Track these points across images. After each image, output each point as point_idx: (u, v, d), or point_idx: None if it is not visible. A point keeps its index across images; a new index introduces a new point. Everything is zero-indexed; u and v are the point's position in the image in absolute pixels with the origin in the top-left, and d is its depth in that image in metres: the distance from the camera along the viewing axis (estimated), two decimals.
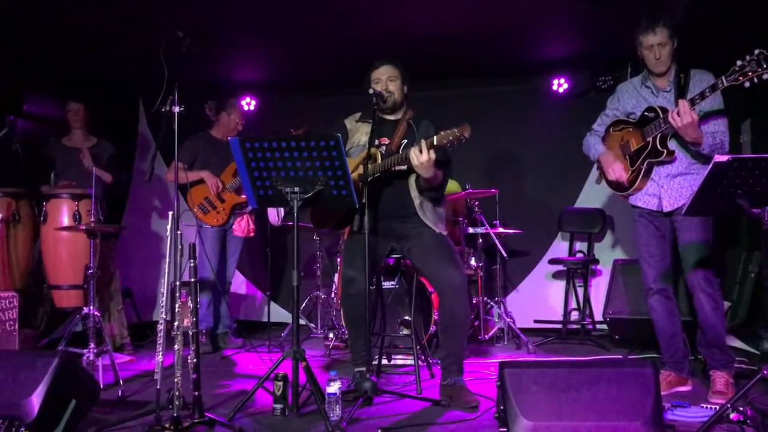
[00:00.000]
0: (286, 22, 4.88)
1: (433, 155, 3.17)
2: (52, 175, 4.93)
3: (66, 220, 4.48)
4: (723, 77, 3.05)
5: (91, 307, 3.84)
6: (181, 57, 3.33)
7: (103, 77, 5.92)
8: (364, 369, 3.42)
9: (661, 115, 3.36)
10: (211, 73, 5.99)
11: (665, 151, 3.41)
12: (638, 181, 3.54)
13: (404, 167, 3.41)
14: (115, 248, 5.05)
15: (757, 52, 2.91)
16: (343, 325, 4.67)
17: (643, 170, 3.51)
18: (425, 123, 3.62)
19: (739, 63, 2.97)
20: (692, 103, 3.17)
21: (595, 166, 3.89)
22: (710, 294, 3.42)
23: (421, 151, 3.16)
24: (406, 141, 3.56)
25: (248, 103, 6.58)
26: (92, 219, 3.96)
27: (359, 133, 3.67)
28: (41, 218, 4.53)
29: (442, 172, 3.44)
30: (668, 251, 3.58)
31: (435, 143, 3.15)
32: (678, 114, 3.18)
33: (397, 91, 3.61)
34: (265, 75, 6.31)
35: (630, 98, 3.65)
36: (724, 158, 2.48)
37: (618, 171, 3.61)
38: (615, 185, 3.69)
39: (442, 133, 3.14)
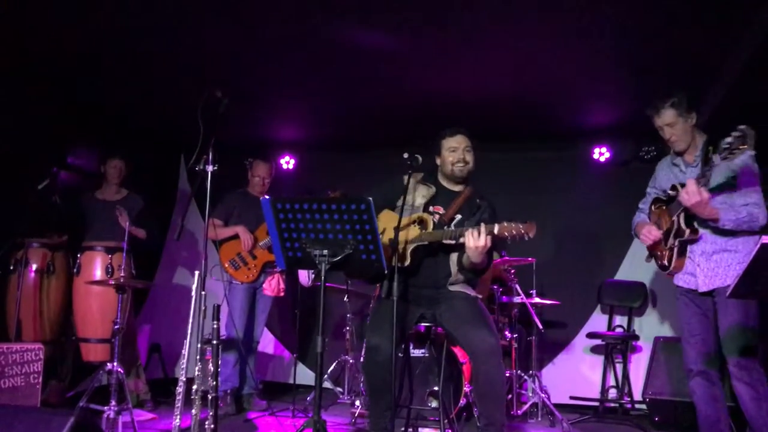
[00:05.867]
0: (325, 83, 4.94)
1: (489, 242, 3.08)
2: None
3: (99, 273, 4.50)
4: (717, 155, 2.95)
5: (115, 364, 3.79)
6: (219, 116, 3.36)
7: (146, 133, 6.04)
8: None
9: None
10: (253, 132, 6.08)
11: (688, 230, 3.28)
12: (674, 260, 3.39)
13: (453, 242, 3.31)
14: (138, 305, 5.03)
15: (742, 127, 2.85)
16: None
17: (676, 249, 3.38)
18: (484, 204, 3.49)
19: (727, 140, 2.88)
20: (699, 181, 3.06)
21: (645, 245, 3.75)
22: (748, 383, 3.18)
23: (479, 235, 3.07)
24: (459, 216, 3.47)
25: (287, 162, 6.63)
26: (122, 274, 3.95)
27: (416, 193, 3.54)
28: (75, 270, 4.56)
29: (489, 258, 3.33)
30: (712, 331, 3.36)
31: (496, 232, 3.06)
32: (687, 193, 3.09)
33: (473, 163, 3.56)
34: (304, 134, 6.37)
35: (664, 175, 3.58)
36: None
37: (651, 234, 3.49)
38: (660, 265, 3.54)
39: (506, 224, 3.04)
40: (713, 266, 3.28)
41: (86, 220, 4.96)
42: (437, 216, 3.46)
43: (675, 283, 3.49)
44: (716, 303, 3.30)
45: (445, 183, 3.59)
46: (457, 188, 3.59)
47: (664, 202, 3.51)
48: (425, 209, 3.35)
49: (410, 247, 3.32)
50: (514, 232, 3.00)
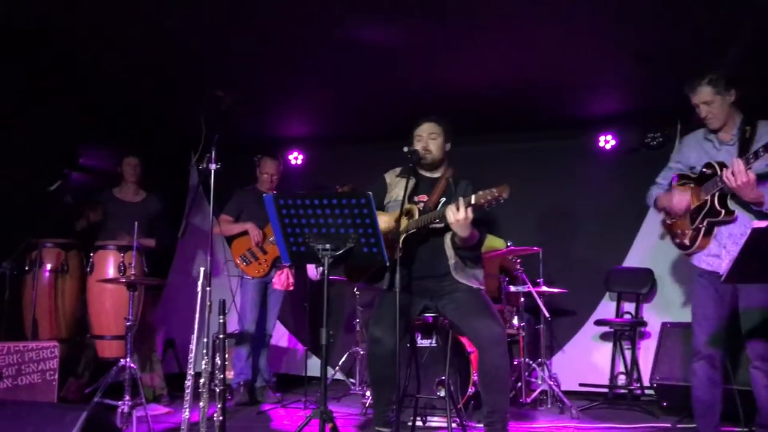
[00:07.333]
0: (331, 78, 4.99)
1: (470, 214, 3.16)
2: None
3: (112, 272, 4.59)
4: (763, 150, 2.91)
5: (128, 360, 3.88)
6: (222, 114, 3.43)
7: (156, 131, 6.11)
8: (387, 430, 3.35)
9: (719, 172, 3.17)
10: (261, 129, 6.14)
11: (723, 210, 3.21)
12: (699, 239, 3.32)
13: (440, 225, 3.38)
14: (157, 300, 5.12)
15: None
16: None
17: (703, 229, 3.30)
18: (464, 183, 3.59)
19: None
20: (748, 161, 3.00)
21: (660, 222, 3.69)
22: (765, 371, 3.18)
23: (458, 209, 3.15)
24: (444, 199, 3.54)
25: (296, 158, 6.69)
26: (133, 272, 4.03)
27: (398, 188, 3.67)
28: (88, 269, 4.66)
29: (479, 231, 3.39)
30: (725, 316, 3.33)
31: (473, 202, 3.14)
32: (732, 173, 3.02)
33: (437, 150, 3.60)
34: (311, 129, 6.42)
35: (692, 151, 3.46)
36: (762, 224, 2.35)
37: (680, 200, 3.39)
38: (678, 244, 3.48)
39: (480, 193, 3.13)
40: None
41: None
42: (422, 204, 3.54)
43: (695, 263, 3.41)
44: (738, 288, 3.25)
45: (424, 172, 3.67)
46: (436, 174, 3.67)
47: (691, 180, 3.41)
48: (410, 201, 3.42)
49: (401, 238, 3.38)
50: (489, 198, 3.10)
